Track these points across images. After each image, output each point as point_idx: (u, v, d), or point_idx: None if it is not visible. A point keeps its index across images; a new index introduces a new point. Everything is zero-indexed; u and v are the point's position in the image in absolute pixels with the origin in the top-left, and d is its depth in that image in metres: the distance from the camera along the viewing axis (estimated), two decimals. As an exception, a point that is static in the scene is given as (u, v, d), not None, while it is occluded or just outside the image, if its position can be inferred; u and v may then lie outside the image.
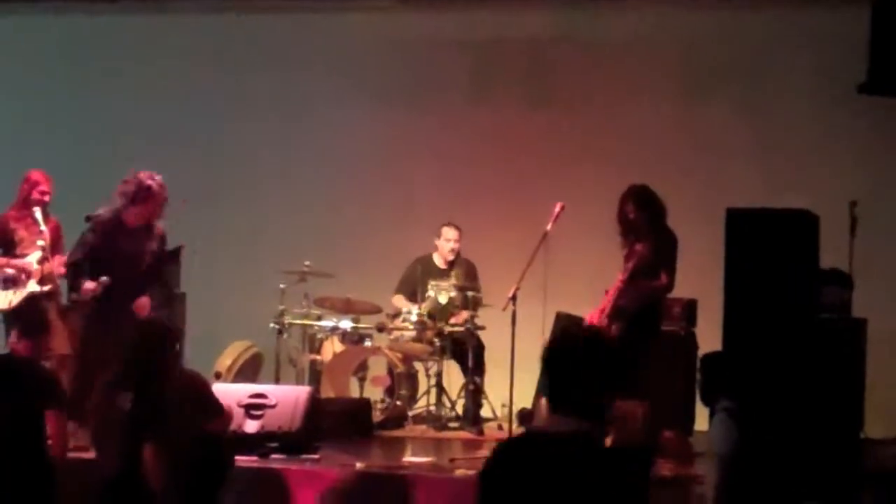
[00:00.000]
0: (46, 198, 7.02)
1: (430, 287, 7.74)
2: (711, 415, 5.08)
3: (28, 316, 6.51)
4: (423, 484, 5.75)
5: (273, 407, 6.27)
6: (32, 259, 6.96)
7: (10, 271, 6.95)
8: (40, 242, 6.89)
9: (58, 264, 6.97)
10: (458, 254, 7.94)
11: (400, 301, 7.96)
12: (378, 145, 8.75)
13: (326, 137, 8.82)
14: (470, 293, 7.69)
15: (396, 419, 7.52)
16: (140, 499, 4.75)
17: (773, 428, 4.97)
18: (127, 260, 6.50)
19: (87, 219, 6.55)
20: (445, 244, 7.90)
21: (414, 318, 7.62)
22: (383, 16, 8.78)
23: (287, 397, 6.40)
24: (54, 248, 7.03)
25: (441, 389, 7.62)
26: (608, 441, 5.98)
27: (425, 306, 7.59)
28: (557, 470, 2.96)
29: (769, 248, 5.78)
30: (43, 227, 6.92)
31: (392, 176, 8.77)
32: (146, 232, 6.57)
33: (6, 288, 6.95)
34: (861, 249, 7.09)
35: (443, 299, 7.63)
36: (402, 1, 8.67)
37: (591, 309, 6.67)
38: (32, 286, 6.91)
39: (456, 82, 8.78)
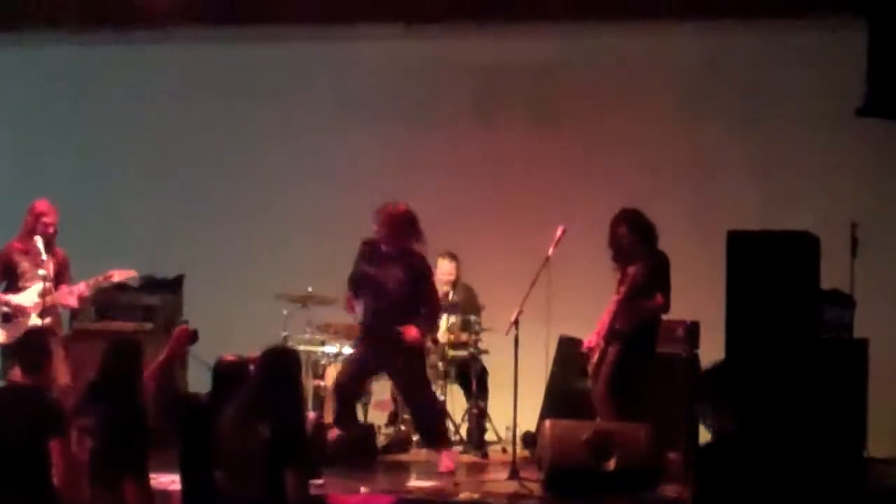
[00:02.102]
0: (52, 229, 7.01)
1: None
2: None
3: (29, 349, 6.49)
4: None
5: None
6: (33, 291, 6.95)
7: (5, 309, 6.93)
8: (41, 272, 6.89)
9: (66, 294, 6.98)
10: (455, 282, 7.96)
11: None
12: (382, 170, 8.78)
13: (330, 162, 8.86)
14: (472, 317, 7.71)
15: (400, 444, 7.53)
16: None
17: (775, 448, 4.97)
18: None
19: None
20: (441, 276, 7.94)
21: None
22: (388, 42, 8.84)
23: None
24: (60, 278, 7.04)
25: (445, 414, 7.63)
26: (612, 463, 6.05)
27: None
28: None
29: (770, 270, 5.82)
30: (45, 258, 6.92)
31: (395, 199, 8.79)
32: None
33: (5, 321, 6.93)
34: (862, 270, 7.12)
35: (442, 322, 7.67)
36: (407, 25, 8.72)
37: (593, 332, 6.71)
38: (33, 319, 6.89)
39: (459, 106, 8.82)
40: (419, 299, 6.91)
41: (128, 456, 4.97)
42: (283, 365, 4.98)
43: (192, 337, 5.49)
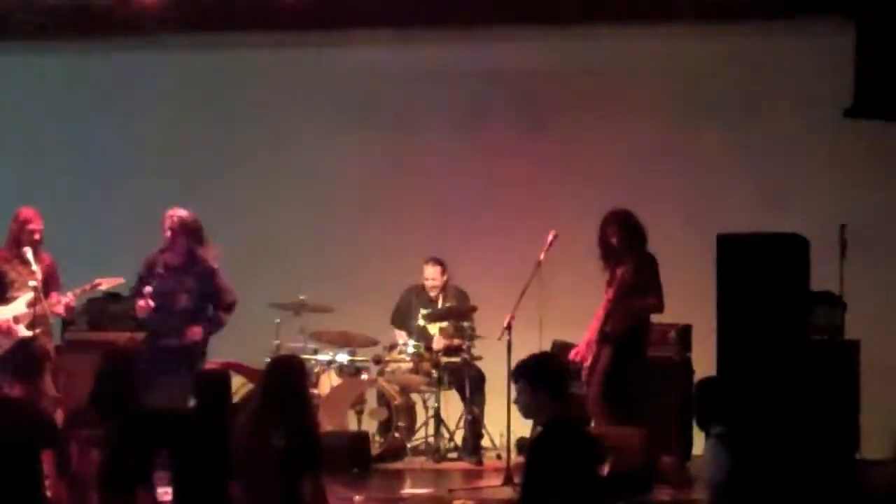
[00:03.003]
0: (37, 236, 6.94)
1: (420, 317, 7.78)
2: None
3: (20, 360, 6.46)
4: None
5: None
6: (22, 301, 6.91)
7: None
8: (32, 283, 6.84)
9: (54, 303, 6.94)
10: (444, 286, 7.97)
11: (402, 335, 7.99)
12: (371, 176, 8.79)
13: (319, 169, 8.86)
14: (465, 323, 7.72)
15: (395, 451, 7.53)
16: None
17: (768, 450, 4.98)
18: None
19: None
20: (428, 282, 7.94)
21: (410, 349, 7.65)
22: (376, 49, 8.84)
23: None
24: (49, 286, 6.98)
25: (439, 420, 7.63)
26: (606, 468, 6.05)
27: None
28: None
29: (761, 272, 5.83)
30: (35, 268, 6.87)
31: (385, 206, 8.80)
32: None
33: None
34: (851, 272, 7.14)
35: (433, 329, 7.67)
36: (396, 32, 8.73)
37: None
38: (22, 331, 6.85)
39: (449, 113, 8.83)
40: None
41: (138, 465, 4.95)
42: (291, 374, 5.01)
43: None
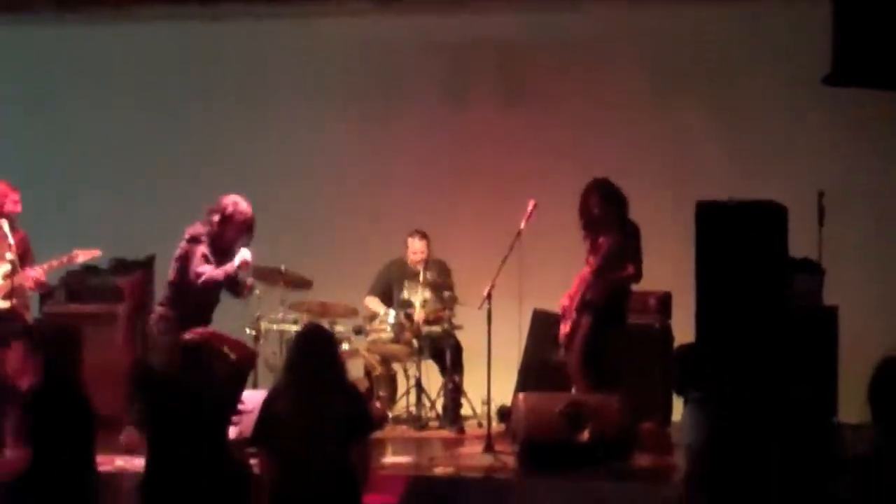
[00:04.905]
0: (11, 208, 6.95)
1: (404, 289, 7.78)
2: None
3: None
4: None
5: (251, 412, 6.27)
6: None
7: None
8: (9, 256, 6.83)
9: (26, 277, 6.91)
10: (427, 259, 7.97)
11: (373, 303, 7.98)
12: (351, 147, 8.77)
13: (299, 141, 8.83)
14: (446, 293, 7.73)
15: (377, 420, 7.54)
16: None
17: (746, 416, 5.03)
18: None
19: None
20: (412, 255, 7.94)
21: (391, 319, 7.66)
22: (355, 19, 8.80)
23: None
24: (22, 260, 6.97)
25: (420, 390, 7.66)
26: (586, 434, 6.09)
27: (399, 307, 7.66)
28: None
29: (739, 240, 5.85)
30: (11, 241, 6.86)
31: (366, 177, 8.79)
32: None
33: None
34: (830, 238, 7.18)
35: (417, 300, 7.67)
36: (378, 2, 8.68)
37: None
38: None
39: (429, 84, 8.81)
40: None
41: (75, 439, 4.92)
42: (328, 343, 5.09)
43: None
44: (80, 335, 5.15)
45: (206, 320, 6.63)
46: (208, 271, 6.62)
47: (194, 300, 6.63)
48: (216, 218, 6.73)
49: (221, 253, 6.75)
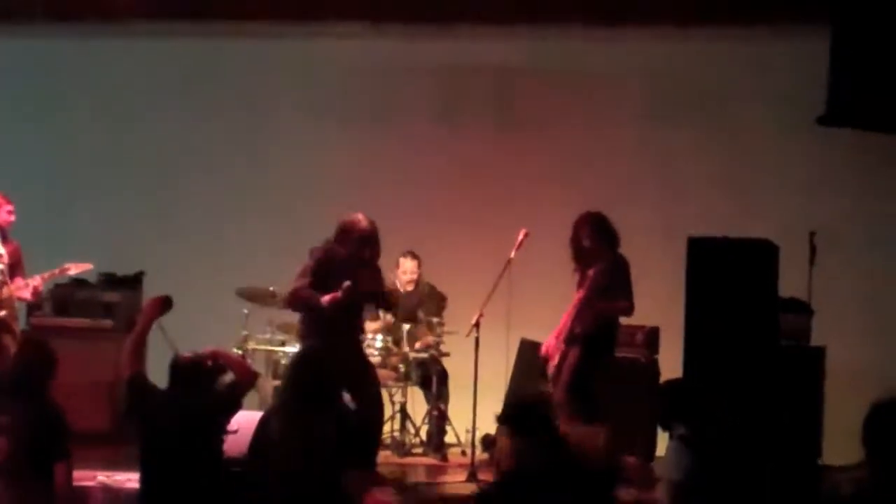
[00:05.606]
0: (11, 217, 6.95)
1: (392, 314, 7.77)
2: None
3: None
4: None
5: (235, 433, 6.24)
6: None
7: None
8: None
9: (20, 286, 6.90)
10: (418, 281, 7.96)
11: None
12: (345, 170, 8.76)
13: (293, 162, 8.82)
14: (435, 319, 7.72)
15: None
16: None
17: (730, 453, 5.01)
18: None
19: None
20: (402, 276, 7.92)
21: (379, 344, 7.63)
22: (350, 42, 8.82)
23: (250, 423, 6.33)
24: (14, 271, 6.96)
25: (405, 415, 7.63)
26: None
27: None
28: None
29: (730, 277, 5.86)
30: (2, 251, 6.85)
31: (358, 201, 8.74)
32: None
33: None
34: (820, 279, 7.18)
35: (405, 326, 7.65)
36: (374, 25, 8.71)
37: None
38: None
39: (423, 108, 8.82)
40: None
41: (46, 457, 4.88)
42: (321, 366, 5.04)
43: (166, 303, 5.37)
44: (53, 353, 5.11)
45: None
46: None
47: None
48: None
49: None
